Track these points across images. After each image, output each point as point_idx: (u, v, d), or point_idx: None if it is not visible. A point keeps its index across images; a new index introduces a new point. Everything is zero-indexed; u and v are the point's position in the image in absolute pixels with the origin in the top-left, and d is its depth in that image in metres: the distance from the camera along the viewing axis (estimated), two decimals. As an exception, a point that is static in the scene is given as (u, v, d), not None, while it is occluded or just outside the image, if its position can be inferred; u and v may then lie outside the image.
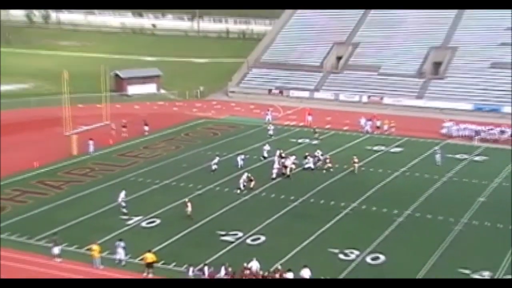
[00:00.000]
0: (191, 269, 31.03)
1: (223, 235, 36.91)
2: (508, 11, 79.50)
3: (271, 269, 31.53)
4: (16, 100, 71.00)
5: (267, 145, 53.05)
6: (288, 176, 46.97)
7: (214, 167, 48.34)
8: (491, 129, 59.12)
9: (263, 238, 36.72)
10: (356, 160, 49.39)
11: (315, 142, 57.37)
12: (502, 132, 58.60)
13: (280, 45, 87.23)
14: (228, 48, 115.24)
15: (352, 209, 41.39)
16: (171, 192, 43.66)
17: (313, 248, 35.48)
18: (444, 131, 60.80)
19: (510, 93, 70.58)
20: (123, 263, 33.16)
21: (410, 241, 36.62)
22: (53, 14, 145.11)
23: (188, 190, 44.40)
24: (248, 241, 36.33)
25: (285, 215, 40.44)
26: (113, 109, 64.54)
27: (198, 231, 37.73)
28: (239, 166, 48.56)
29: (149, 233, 37.36)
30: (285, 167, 47.42)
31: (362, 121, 62.60)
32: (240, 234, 37.04)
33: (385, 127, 61.76)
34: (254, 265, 31.25)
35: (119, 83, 79.38)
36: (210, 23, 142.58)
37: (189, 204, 39.33)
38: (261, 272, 30.98)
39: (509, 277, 32.13)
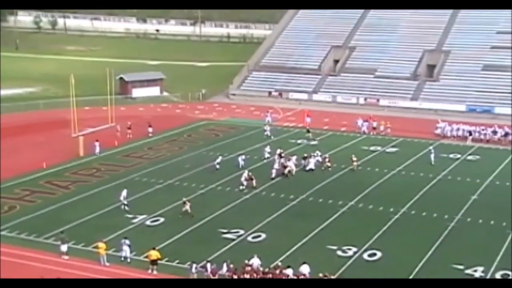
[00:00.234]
0: (194, 266, 31.32)
1: (225, 233, 37.21)
2: (499, 15, 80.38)
3: (272, 266, 31.79)
4: (26, 103, 71.84)
5: (268, 146, 53.51)
6: (287, 175, 47.44)
7: (217, 166, 49.03)
8: (484, 129, 59.40)
9: (263, 235, 37.06)
10: (354, 158, 50.17)
11: (313, 142, 57.73)
12: (494, 132, 58.99)
13: (280, 49, 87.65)
14: (229, 52, 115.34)
15: (350, 208, 41.65)
16: (175, 192, 43.92)
17: (312, 245, 35.85)
18: (438, 131, 61.13)
19: (502, 94, 71.22)
20: (128, 260, 33.55)
21: (406, 238, 36.86)
22: (60, 20, 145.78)
23: (191, 189, 44.76)
24: (249, 238, 36.72)
25: (284, 213, 40.77)
26: (118, 111, 64.76)
27: (201, 229, 38.06)
28: (240, 166, 48.95)
29: (153, 231, 37.68)
30: (285, 167, 47.95)
31: (359, 122, 63.04)
32: (241, 232, 37.39)
33: (381, 128, 62.13)
34: (255, 261, 31.59)
35: (124, 86, 79.85)
36: (212, 28, 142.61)
37: (187, 203, 39.94)
38: (261, 269, 31.16)
39: (501, 272, 32.56)
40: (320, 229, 38.21)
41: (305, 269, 31.33)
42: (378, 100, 75.33)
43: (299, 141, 58.69)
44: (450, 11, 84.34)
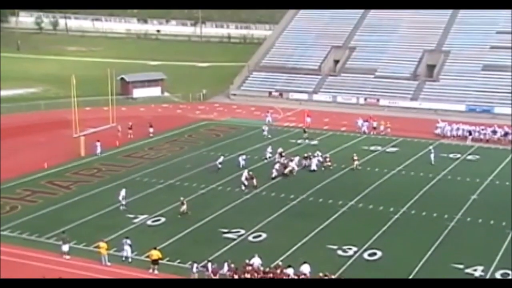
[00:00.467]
0: (195, 265, 31.39)
1: (225, 233, 37.30)
2: (499, 15, 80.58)
3: (272, 265, 31.87)
4: (27, 104, 72.02)
5: (270, 146, 53.69)
6: (287, 175, 47.51)
7: (219, 166, 49.14)
8: (484, 129, 59.57)
9: (264, 235, 37.15)
10: (356, 157, 50.43)
11: (314, 142, 57.98)
12: (494, 132, 59.15)
13: (280, 49, 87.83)
14: (229, 52, 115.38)
15: (350, 207, 41.74)
16: (175, 192, 43.93)
17: (312, 245, 35.93)
18: (438, 131, 61.28)
19: (502, 94, 71.43)
20: (130, 260, 33.61)
21: (406, 238, 36.93)
22: (61, 21, 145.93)
23: (191, 189, 44.88)
24: (250, 238, 36.81)
25: (285, 213, 40.88)
26: (119, 111, 64.80)
27: (202, 229, 38.15)
28: (241, 166, 49.03)
29: (154, 231, 37.74)
30: (285, 167, 48.09)
31: (359, 122, 63.20)
32: (242, 231, 37.47)
33: (381, 127, 62.23)
34: (256, 261, 31.70)
35: (125, 87, 79.99)
36: (212, 28, 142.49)
37: (184, 202, 40.19)
38: (262, 268, 31.24)
39: (501, 271, 32.68)
40: (321, 229, 38.30)
41: (305, 269, 31.42)
42: (378, 100, 75.47)
43: (299, 141, 58.85)
44: (449, 11, 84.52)
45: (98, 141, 54.26)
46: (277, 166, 48.29)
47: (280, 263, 32.30)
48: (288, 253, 34.73)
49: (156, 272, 32.52)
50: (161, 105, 76.46)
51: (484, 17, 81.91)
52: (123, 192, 41.27)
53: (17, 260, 34.09)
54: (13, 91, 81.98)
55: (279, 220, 39.86)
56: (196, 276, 31.37)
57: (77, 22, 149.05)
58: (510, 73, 73.44)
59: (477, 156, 54.39)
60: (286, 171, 47.93)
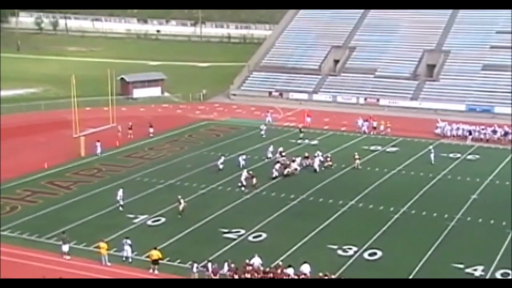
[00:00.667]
0: (195, 265, 31.41)
1: (225, 233, 37.32)
2: (498, 15, 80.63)
3: (272, 265, 31.89)
4: (27, 104, 72.08)
5: (271, 146, 53.78)
6: (287, 175, 47.52)
7: (220, 166, 49.21)
8: (484, 129, 59.63)
9: (264, 235, 37.18)
10: (357, 156, 50.57)
11: (314, 142, 58.07)
12: (494, 132, 59.22)
13: (280, 49, 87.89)
14: (229, 52, 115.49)
15: (350, 207, 41.79)
16: (176, 192, 43.70)
17: (312, 245, 35.95)
18: (438, 131, 61.36)
19: (502, 94, 71.42)
20: (130, 260, 33.64)
21: (406, 237, 36.96)
22: (61, 21, 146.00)
23: (192, 189, 44.91)
24: (250, 238, 36.84)
25: (285, 213, 40.91)
26: (119, 112, 64.81)
27: (202, 229, 38.17)
28: (241, 166, 49.02)
29: (154, 231, 37.76)
30: (285, 167, 48.12)
31: (359, 122, 63.27)
32: (242, 231, 37.50)
33: (381, 127, 62.28)
34: (256, 261, 31.73)
35: (125, 87, 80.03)
36: (212, 28, 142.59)
37: (182, 201, 40.32)
38: (262, 268, 31.25)
39: (501, 271, 32.70)
40: (321, 229, 38.34)
41: (305, 269, 31.46)
42: (378, 100, 75.52)
43: (299, 141, 58.86)
44: (449, 11, 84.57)
45: (98, 141, 54.30)
46: (277, 166, 48.29)
47: (280, 263, 32.30)
48: (288, 253, 34.72)
49: (156, 272, 32.53)
50: (161, 105, 76.51)
51: (484, 17, 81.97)
52: (120, 192, 41.37)
53: (17, 260, 34.12)
54: (13, 91, 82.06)
55: (279, 220, 39.89)
56: (196, 276, 31.40)
57: (77, 22, 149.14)
58: (510, 73, 73.49)
59: (477, 156, 54.42)
60: (286, 171, 47.91)
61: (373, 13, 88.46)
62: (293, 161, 49.17)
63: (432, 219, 39.88)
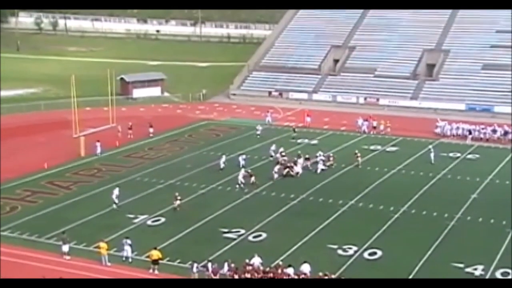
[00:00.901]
0: (195, 265, 31.40)
1: (225, 232, 37.31)
2: (498, 15, 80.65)
3: (272, 265, 31.89)
4: (27, 104, 72.09)
5: (273, 145, 53.84)
6: (287, 175, 47.52)
7: (222, 165, 49.18)
8: (483, 128, 59.68)
9: (264, 235, 37.18)
10: (359, 154, 50.70)
11: (314, 142, 58.07)
12: (494, 131, 59.26)
13: (280, 49, 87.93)
14: (229, 52, 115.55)
15: (350, 207, 41.79)
16: (176, 192, 43.49)
17: (312, 244, 35.95)
18: (437, 130, 61.41)
19: (502, 93, 71.42)
20: (130, 260, 33.64)
21: (406, 237, 36.95)
22: (61, 21, 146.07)
23: (191, 189, 44.92)
24: (250, 238, 36.84)
25: (285, 212, 40.91)
26: (119, 112, 64.81)
27: (202, 228, 38.17)
28: (241, 166, 48.86)
29: (154, 231, 37.75)
30: (286, 167, 48.14)
31: (359, 121, 63.29)
32: (242, 231, 37.49)
33: (381, 127, 62.31)
34: (256, 261, 31.70)
35: (125, 87, 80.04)
36: (212, 28, 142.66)
37: (178, 197, 40.37)
38: (262, 268, 31.24)
39: (501, 271, 32.71)
40: (321, 228, 38.34)
41: (306, 268, 31.45)
42: (378, 99, 75.56)
43: (299, 141, 58.87)
44: (449, 11, 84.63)
45: (98, 141, 54.30)
46: (276, 168, 48.11)
47: (280, 262, 32.26)
48: (288, 252, 34.72)
49: (156, 272, 32.52)
50: (161, 105, 76.55)
51: (484, 16, 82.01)
52: (116, 191, 41.39)
53: (17, 260, 34.11)
54: (13, 91, 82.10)
55: (279, 220, 39.90)
56: (196, 276, 31.40)
57: (77, 22, 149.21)
58: (510, 72, 73.54)
59: (477, 155, 54.46)
60: (286, 171, 47.85)
61: (373, 13, 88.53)
62: (295, 163, 48.96)
63: (432, 218, 39.87)
